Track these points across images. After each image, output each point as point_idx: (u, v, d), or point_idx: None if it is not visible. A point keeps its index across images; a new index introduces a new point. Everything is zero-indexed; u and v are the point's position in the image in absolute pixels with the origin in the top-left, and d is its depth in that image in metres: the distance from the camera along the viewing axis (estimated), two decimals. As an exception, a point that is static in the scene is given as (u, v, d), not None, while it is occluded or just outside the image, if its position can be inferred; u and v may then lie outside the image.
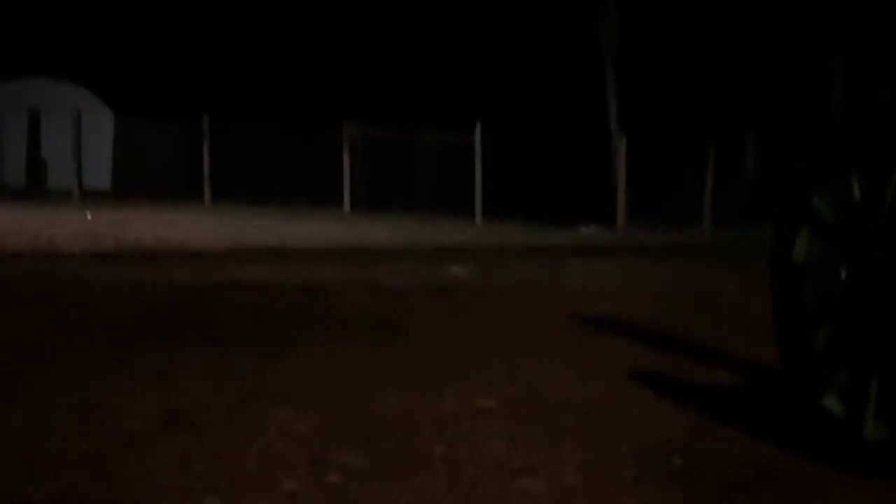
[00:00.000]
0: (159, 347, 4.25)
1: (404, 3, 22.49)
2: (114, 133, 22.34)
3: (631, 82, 19.60)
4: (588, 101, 20.98)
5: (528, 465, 2.71)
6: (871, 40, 18.63)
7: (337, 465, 2.67)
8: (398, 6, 22.63)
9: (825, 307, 2.89)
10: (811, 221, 2.93)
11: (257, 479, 2.55)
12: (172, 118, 21.27)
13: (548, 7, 23.16)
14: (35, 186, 22.09)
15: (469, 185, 18.36)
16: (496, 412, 3.28)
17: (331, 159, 19.54)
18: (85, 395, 3.37)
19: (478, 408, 3.33)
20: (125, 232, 11.01)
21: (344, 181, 19.09)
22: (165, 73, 24.68)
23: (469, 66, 23.57)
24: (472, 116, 18.82)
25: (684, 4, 20.94)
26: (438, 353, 4.25)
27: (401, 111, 23.47)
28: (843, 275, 2.79)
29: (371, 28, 23.04)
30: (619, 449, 2.88)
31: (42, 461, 2.66)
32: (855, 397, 2.71)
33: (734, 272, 8.32)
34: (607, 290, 6.89)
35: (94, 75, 23.36)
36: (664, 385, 3.76)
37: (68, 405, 3.23)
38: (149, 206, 16.78)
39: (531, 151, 22.44)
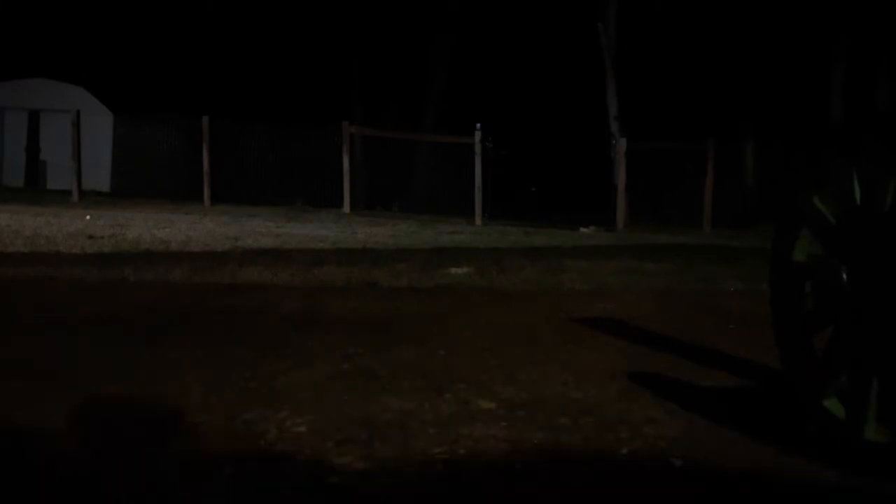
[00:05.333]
0: (158, 349, 4.24)
1: (405, 3, 22.49)
2: (113, 133, 22.33)
3: (631, 83, 19.59)
4: (588, 101, 20.99)
5: (527, 468, 2.70)
6: (870, 40, 18.62)
7: (336, 466, 2.67)
8: (399, 7, 22.62)
9: (825, 308, 2.88)
10: (812, 222, 2.92)
11: (257, 480, 2.54)
12: (172, 119, 21.27)
13: (548, 8, 23.17)
14: (34, 187, 22.10)
15: (469, 186, 18.34)
16: (495, 414, 3.27)
17: (330, 159, 19.53)
18: (84, 397, 3.36)
19: (477, 410, 3.32)
20: (124, 232, 11.00)
21: (343, 181, 19.07)
22: (165, 74, 24.70)
23: (469, 66, 23.58)
24: (473, 117, 18.82)
25: (684, 5, 20.94)
26: (437, 355, 4.24)
27: (401, 111, 23.50)
28: (844, 275, 2.78)
29: (371, 28, 23.04)
30: (619, 450, 2.87)
31: (41, 463, 2.65)
32: (855, 399, 2.70)
33: (734, 272, 8.32)
34: (607, 291, 6.88)
35: (94, 75, 23.37)
36: (664, 386, 3.75)
37: (66, 407, 3.22)
38: (148, 207, 16.78)
39: (531, 152, 22.45)
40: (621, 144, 18.17)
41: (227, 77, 24.43)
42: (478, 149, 18.33)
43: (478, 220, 17.71)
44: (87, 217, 13.33)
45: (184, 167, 20.69)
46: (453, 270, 7.90)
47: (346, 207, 18.81)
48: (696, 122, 19.06)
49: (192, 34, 24.61)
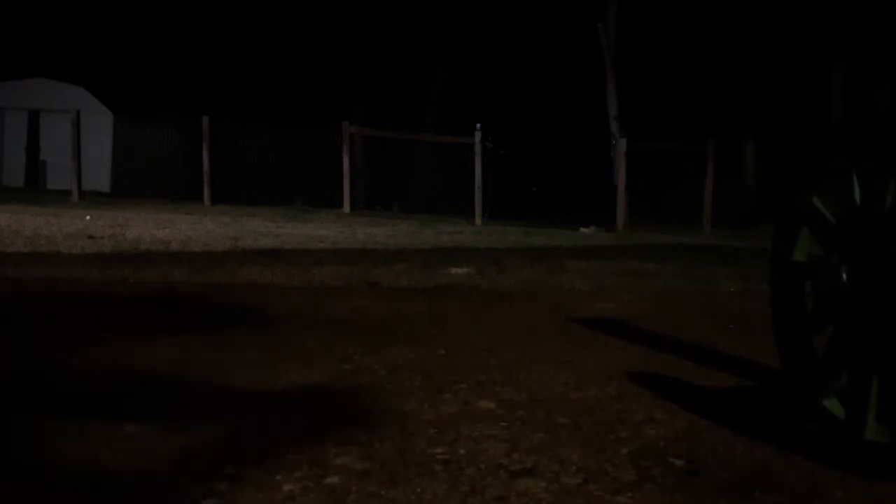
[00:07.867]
0: (157, 349, 4.24)
1: (405, 3, 22.50)
2: (113, 133, 22.36)
3: (631, 83, 19.61)
4: (588, 101, 21.00)
5: (527, 467, 2.70)
6: (870, 40, 18.62)
7: (336, 467, 2.66)
8: (399, 7, 22.63)
9: (825, 308, 2.88)
10: (812, 221, 2.92)
11: (256, 480, 2.54)
12: (172, 119, 21.29)
13: (548, 8, 23.18)
14: (34, 187, 22.12)
15: (469, 186, 18.36)
16: (495, 414, 3.27)
17: (330, 159, 19.54)
18: (84, 397, 3.36)
19: (477, 410, 3.32)
20: (124, 233, 11.01)
21: (343, 181, 19.08)
22: (165, 74, 24.72)
23: (469, 66, 23.58)
24: (473, 117, 18.84)
25: (684, 5, 20.95)
26: (437, 355, 4.24)
27: (401, 111, 23.50)
28: (844, 275, 2.78)
29: (371, 28, 23.04)
30: (618, 450, 2.87)
31: (41, 464, 2.65)
32: (856, 399, 2.70)
33: (734, 272, 8.32)
34: (607, 291, 6.88)
35: (94, 75, 23.39)
36: (664, 386, 3.75)
37: (67, 407, 3.22)
38: (148, 207, 16.79)
39: (531, 152, 22.45)
40: (621, 144, 18.18)
41: (227, 77, 24.44)
42: (478, 149, 18.34)
43: (478, 220, 17.72)
44: (87, 217, 13.34)
45: (184, 167, 20.72)
46: (453, 270, 7.90)
47: (346, 207, 18.81)
48: (696, 122, 19.07)
49: (192, 34, 24.61)
